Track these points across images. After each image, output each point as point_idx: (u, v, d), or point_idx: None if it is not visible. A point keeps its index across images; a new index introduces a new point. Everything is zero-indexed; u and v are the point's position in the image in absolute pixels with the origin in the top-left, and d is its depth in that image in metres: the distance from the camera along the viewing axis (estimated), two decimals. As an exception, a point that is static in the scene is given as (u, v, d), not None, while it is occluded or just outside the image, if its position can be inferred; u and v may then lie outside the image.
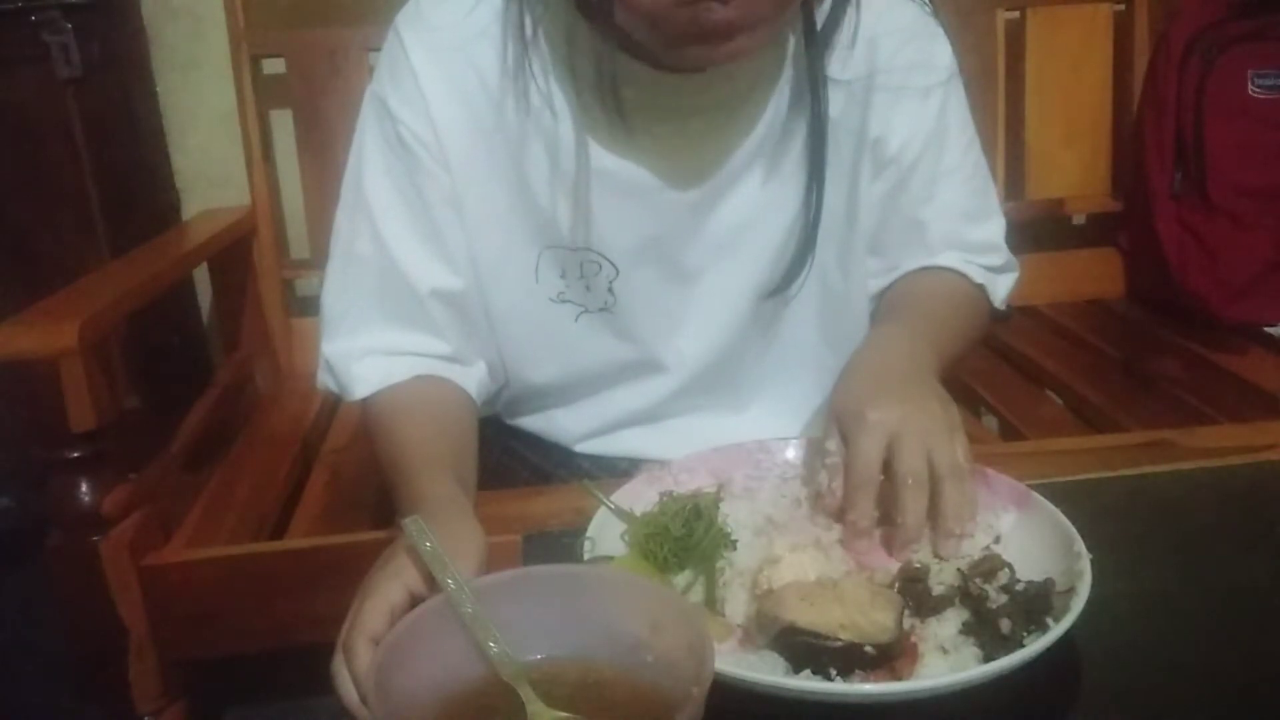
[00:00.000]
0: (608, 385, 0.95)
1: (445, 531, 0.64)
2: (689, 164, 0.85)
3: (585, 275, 0.88)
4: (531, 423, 1.00)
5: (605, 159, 0.83)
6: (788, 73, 0.85)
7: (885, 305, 0.93)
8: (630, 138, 0.83)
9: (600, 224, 0.86)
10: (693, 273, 0.89)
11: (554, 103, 0.83)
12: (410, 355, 0.87)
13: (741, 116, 0.84)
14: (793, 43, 0.84)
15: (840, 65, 0.84)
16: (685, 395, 0.95)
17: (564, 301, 0.90)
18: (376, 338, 0.87)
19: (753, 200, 0.87)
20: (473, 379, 0.90)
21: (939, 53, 0.89)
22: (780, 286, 0.89)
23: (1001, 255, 0.96)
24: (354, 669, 0.59)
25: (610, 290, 0.89)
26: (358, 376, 0.86)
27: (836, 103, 0.85)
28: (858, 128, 0.87)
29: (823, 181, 0.86)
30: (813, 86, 0.83)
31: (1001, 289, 0.96)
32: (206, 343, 1.94)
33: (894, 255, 0.93)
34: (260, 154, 1.68)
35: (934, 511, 0.69)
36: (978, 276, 0.93)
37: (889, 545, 0.69)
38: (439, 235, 0.86)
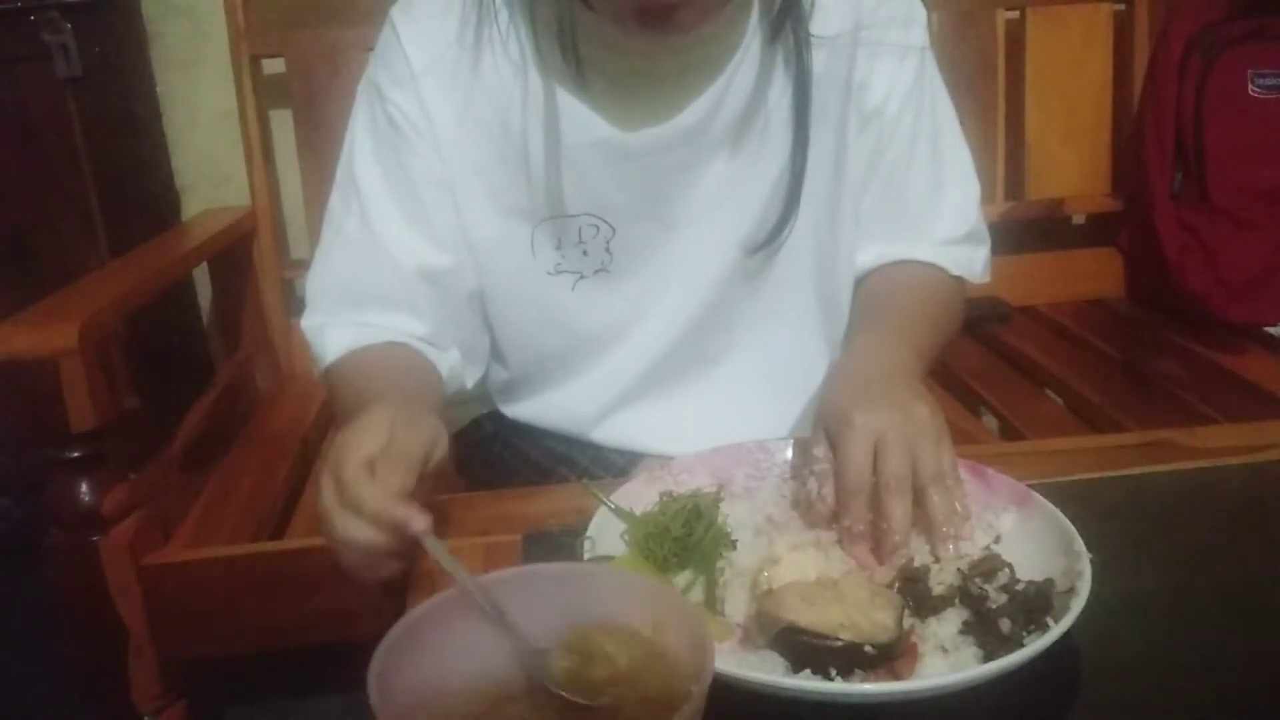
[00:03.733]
0: (604, 350, 0.95)
1: (402, 416, 0.67)
2: (675, 126, 0.86)
3: (583, 240, 0.90)
4: (531, 410, 1.01)
5: (583, 129, 0.85)
6: (765, 33, 0.86)
7: (865, 305, 0.94)
8: (613, 103, 0.85)
9: (597, 188, 0.88)
10: (683, 226, 0.91)
11: (543, 77, 0.85)
12: (384, 331, 0.89)
13: (722, 77, 0.86)
14: (758, 5, 0.86)
15: (822, 23, 0.86)
16: (680, 351, 0.95)
17: (561, 272, 0.91)
18: (352, 314, 0.89)
19: (741, 157, 0.89)
20: (444, 362, 0.91)
21: (915, 12, 0.92)
22: (766, 240, 0.90)
23: (971, 221, 0.97)
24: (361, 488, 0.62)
25: (608, 250, 0.90)
26: (330, 342, 0.88)
27: (820, 60, 0.87)
28: (843, 82, 0.89)
29: (806, 137, 0.88)
30: (796, 45, 0.85)
31: (979, 264, 0.98)
32: (206, 343, 1.94)
33: (868, 223, 0.95)
34: (260, 154, 1.68)
35: (923, 518, 0.69)
36: (954, 269, 0.95)
37: (878, 551, 0.69)
38: (426, 215, 0.88)
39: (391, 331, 0.89)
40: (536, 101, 0.85)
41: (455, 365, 0.93)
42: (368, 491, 0.62)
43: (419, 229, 0.88)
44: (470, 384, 0.96)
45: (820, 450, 0.72)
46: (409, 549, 0.63)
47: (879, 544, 0.68)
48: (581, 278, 0.91)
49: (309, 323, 0.90)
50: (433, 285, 0.89)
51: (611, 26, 0.78)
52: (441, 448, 0.69)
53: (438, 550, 0.60)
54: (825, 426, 0.73)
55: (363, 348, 0.87)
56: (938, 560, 0.67)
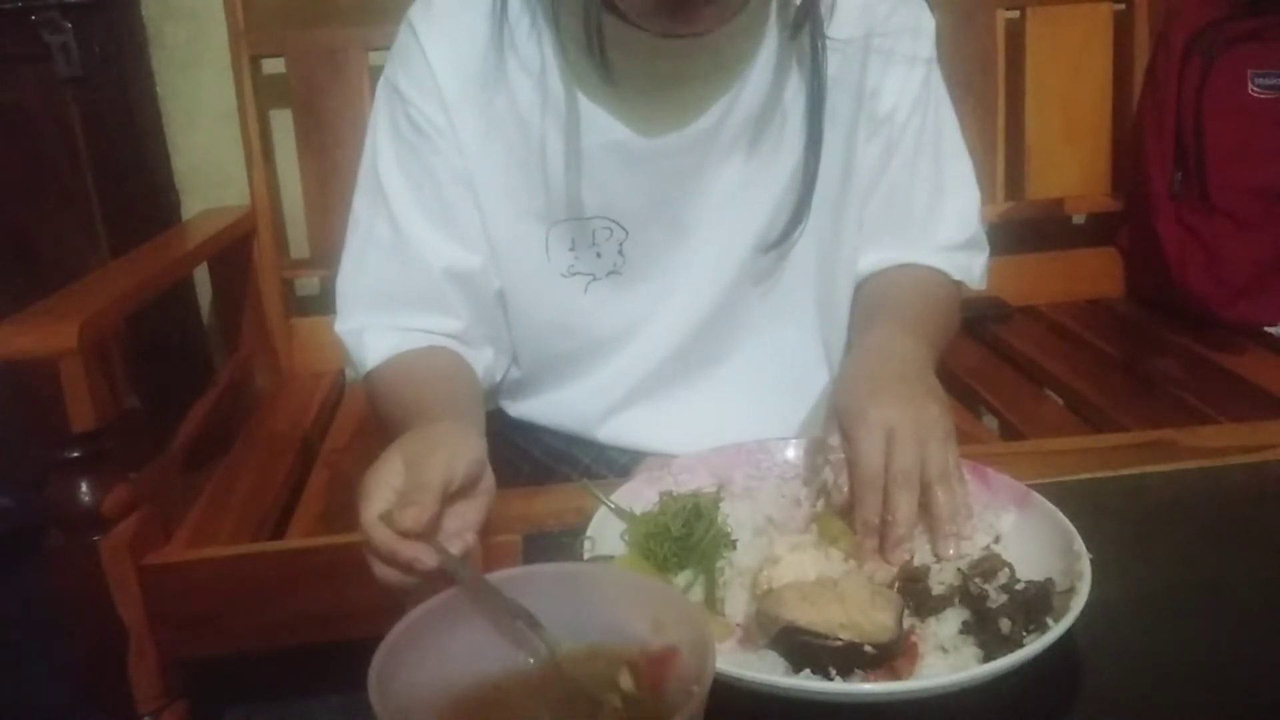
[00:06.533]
0: (612, 352, 0.96)
1: (442, 429, 0.68)
2: (691, 130, 0.87)
3: (597, 242, 0.91)
4: (536, 409, 1.01)
5: (606, 131, 0.86)
6: (780, 37, 0.87)
7: (873, 301, 0.95)
8: (634, 107, 0.85)
9: (611, 191, 0.88)
10: (695, 228, 0.91)
11: (564, 81, 0.85)
12: (421, 334, 0.89)
13: (739, 81, 0.87)
14: (775, 8, 0.87)
15: (836, 26, 0.87)
16: (685, 352, 0.96)
17: (574, 274, 0.92)
18: (389, 317, 0.89)
19: (754, 161, 0.90)
20: (479, 361, 0.92)
21: (924, 23, 0.93)
22: (777, 240, 0.91)
23: (971, 228, 0.99)
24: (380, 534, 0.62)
25: (620, 252, 0.91)
26: (370, 346, 0.88)
27: (833, 62, 0.88)
28: (855, 86, 0.91)
29: (820, 137, 0.89)
30: (813, 47, 0.86)
31: (977, 270, 1.00)
32: (206, 343, 1.94)
33: (872, 228, 0.96)
34: (260, 154, 1.68)
35: (927, 514, 0.69)
36: (956, 274, 0.97)
37: (882, 544, 0.69)
38: (452, 216, 0.89)
39: (428, 335, 0.89)
40: (557, 104, 0.86)
41: (489, 362, 0.94)
42: (378, 536, 0.63)
43: (446, 230, 0.89)
44: (499, 377, 0.97)
45: (836, 441, 0.73)
46: (440, 576, 0.62)
47: (883, 537, 0.69)
48: (594, 280, 0.92)
49: (344, 327, 0.90)
50: (463, 285, 0.90)
51: (636, 29, 0.78)
52: (469, 463, 0.67)
53: (462, 574, 0.59)
54: (840, 419, 0.74)
55: (403, 354, 0.88)
56: (939, 559, 0.67)
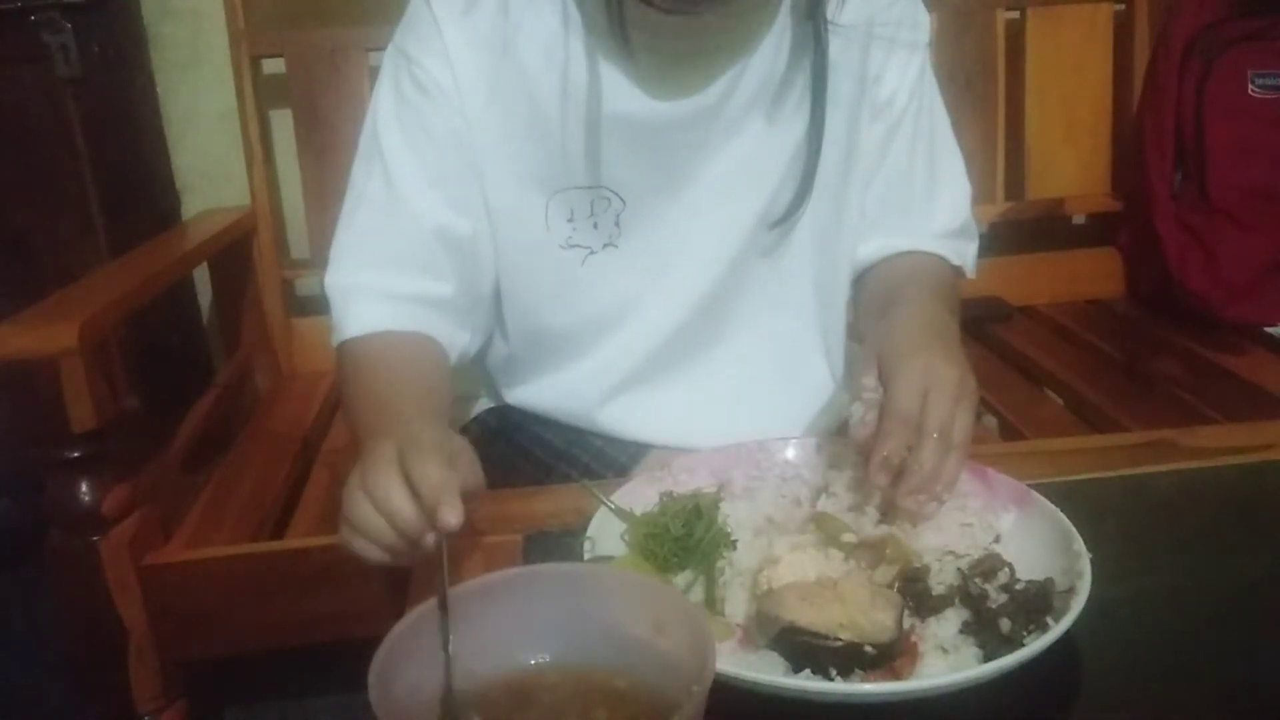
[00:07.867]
0: (610, 330, 0.96)
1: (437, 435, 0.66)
2: (697, 104, 0.88)
3: (595, 213, 0.91)
4: (534, 394, 1.01)
5: (617, 101, 0.86)
6: (788, 17, 0.89)
7: (895, 284, 0.95)
8: (641, 80, 0.86)
9: (612, 162, 0.89)
10: (695, 205, 0.92)
11: (573, 49, 0.86)
12: (408, 301, 0.89)
13: (745, 59, 0.88)
14: None
15: (838, 10, 0.89)
16: (682, 335, 0.96)
17: (572, 246, 0.92)
18: (377, 277, 0.89)
19: (757, 138, 0.91)
20: (458, 343, 0.92)
21: (920, 17, 0.95)
22: (782, 216, 0.92)
23: (963, 217, 1.01)
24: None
25: (617, 224, 0.91)
26: (353, 314, 0.88)
27: (836, 44, 0.89)
28: (858, 70, 0.92)
29: (824, 108, 0.90)
30: (815, 27, 0.88)
31: (970, 258, 1.02)
32: (206, 343, 1.94)
33: (873, 215, 0.97)
34: (260, 154, 1.68)
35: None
36: (955, 259, 0.99)
37: (897, 488, 0.70)
38: (447, 179, 0.89)
39: (414, 300, 0.89)
40: (564, 73, 0.86)
41: (464, 346, 0.94)
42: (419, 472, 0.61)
43: (440, 192, 0.89)
44: (472, 352, 0.97)
45: (871, 381, 0.75)
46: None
47: (900, 480, 0.70)
48: (592, 253, 0.92)
49: (333, 280, 0.90)
50: (452, 249, 0.90)
51: (646, 6, 0.79)
52: (473, 465, 0.68)
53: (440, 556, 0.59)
54: (881, 363, 0.75)
55: (382, 333, 0.87)
56: (911, 516, 0.69)
